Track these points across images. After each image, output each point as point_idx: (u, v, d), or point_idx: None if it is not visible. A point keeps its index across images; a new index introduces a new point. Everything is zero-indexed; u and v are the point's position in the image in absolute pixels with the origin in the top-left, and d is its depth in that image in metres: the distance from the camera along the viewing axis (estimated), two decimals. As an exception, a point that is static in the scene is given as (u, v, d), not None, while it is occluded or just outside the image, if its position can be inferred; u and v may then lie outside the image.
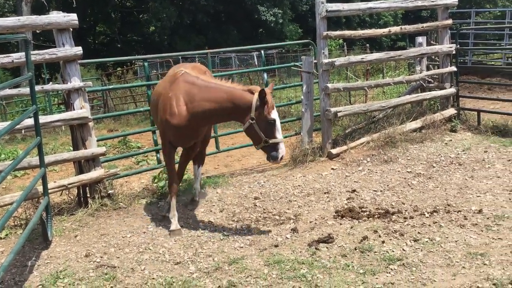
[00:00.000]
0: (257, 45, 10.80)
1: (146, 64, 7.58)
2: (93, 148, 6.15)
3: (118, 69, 27.30)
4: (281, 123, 9.27)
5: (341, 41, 30.23)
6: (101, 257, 4.77)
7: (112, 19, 33.35)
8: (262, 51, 8.60)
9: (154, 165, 7.75)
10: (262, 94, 4.79)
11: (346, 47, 29.80)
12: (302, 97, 7.92)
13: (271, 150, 4.89)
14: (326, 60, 7.49)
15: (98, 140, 6.47)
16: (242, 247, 4.81)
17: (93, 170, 6.18)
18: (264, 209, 5.88)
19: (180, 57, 18.16)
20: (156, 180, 6.81)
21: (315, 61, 7.97)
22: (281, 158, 4.95)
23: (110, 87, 13.31)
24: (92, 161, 6.19)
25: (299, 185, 6.66)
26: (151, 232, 5.37)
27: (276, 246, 4.74)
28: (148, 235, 5.30)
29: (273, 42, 32.19)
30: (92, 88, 6.91)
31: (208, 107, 5.00)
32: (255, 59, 22.93)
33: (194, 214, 5.84)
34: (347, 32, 8.29)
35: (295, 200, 6.10)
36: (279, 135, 4.90)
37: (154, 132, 7.46)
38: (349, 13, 7.94)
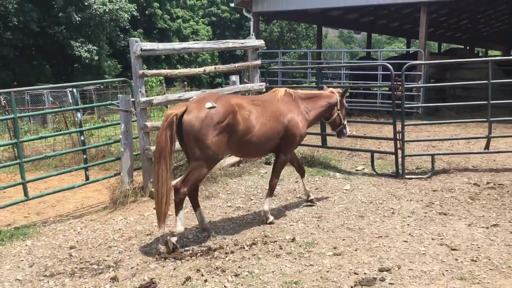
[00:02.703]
0: (72, 81, 10.23)
1: None
2: None
3: None
4: (100, 163, 8.89)
5: (161, 77, 30.43)
6: None
7: None
8: (74, 90, 8.16)
9: None
10: (344, 92, 7.12)
11: (168, 83, 30.09)
12: (121, 136, 7.69)
13: (343, 129, 7.14)
14: (143, 99, 7.41)
15: None
16: (55, 305, 4.38)
17: None
18: (81, 258, 5.46)
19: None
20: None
21: (133, 99, 7.84)
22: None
23: None
24: None
25: (119, 229, 6.37)
26: None
27: (94, 299, 4.42)
28: None
29: (90, 78, 31.07)
30: None
31: (319, 112, 6.78)
32: (69, 97, 21.68)
33: (-2, 273, 5.16)
34: (163, 71, 8.36)
35: (116, 246, 5.81)
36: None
37: None
38: (164, 52, 8.01)
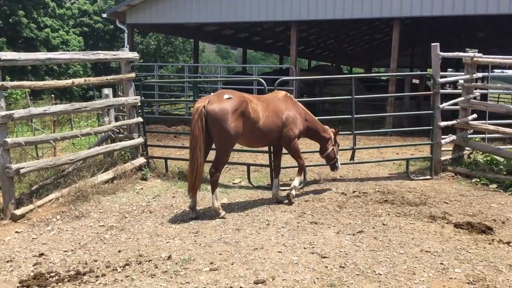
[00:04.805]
0: None
1: None
2: None
3: None
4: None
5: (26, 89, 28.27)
6: None
7: None
8: None
9: None
10: (336, 132, 8.48)
11: (35, 96, 28.06)
12: (-24, 154, 6.94)
13: (336, 163, 8.44)
14: (2, 113, 6.78)
15: None
16: None
17: None
18: None
19: None
20: None
21: (-9, 113, 7.13)
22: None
23: None
24: None
25: (-26, 257, 5.72)
26: None
27: None
28: None
29: None
30: None
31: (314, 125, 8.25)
32: None
33: None
34: (26, 83, 7.75)
35: (-31, 277, 5.20)
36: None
37: None
38: (27, 62, 7.40)
